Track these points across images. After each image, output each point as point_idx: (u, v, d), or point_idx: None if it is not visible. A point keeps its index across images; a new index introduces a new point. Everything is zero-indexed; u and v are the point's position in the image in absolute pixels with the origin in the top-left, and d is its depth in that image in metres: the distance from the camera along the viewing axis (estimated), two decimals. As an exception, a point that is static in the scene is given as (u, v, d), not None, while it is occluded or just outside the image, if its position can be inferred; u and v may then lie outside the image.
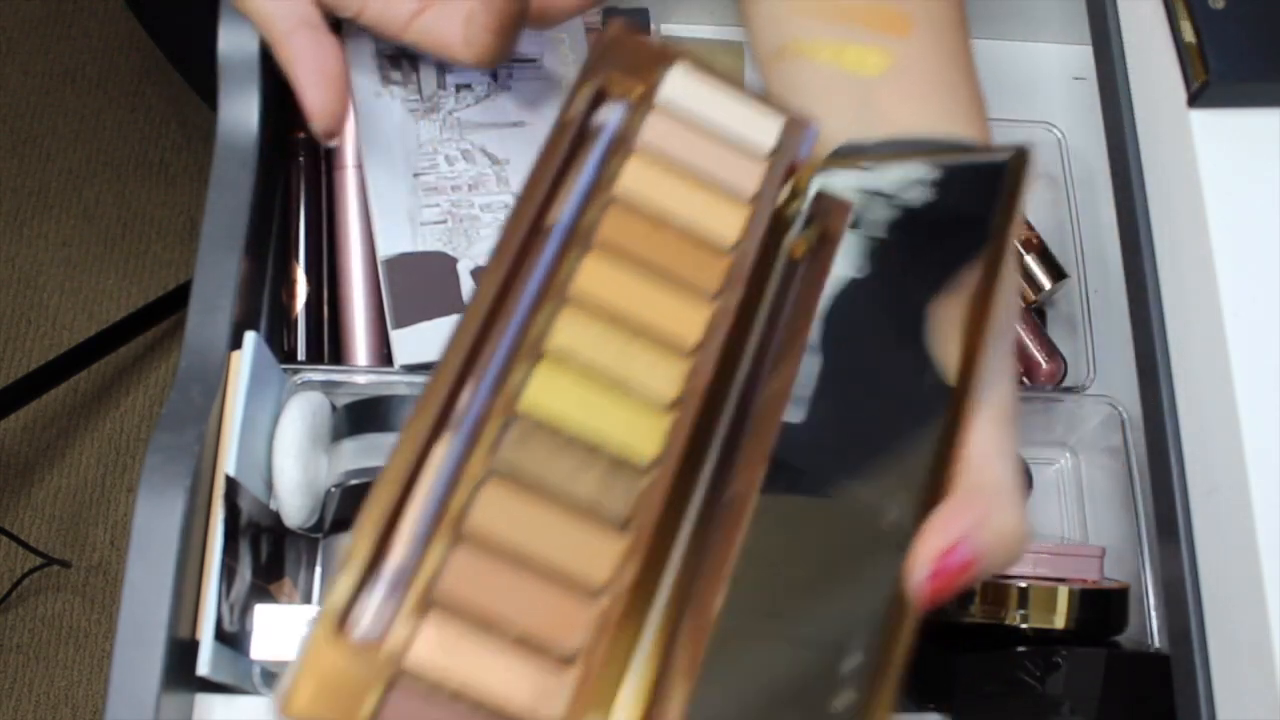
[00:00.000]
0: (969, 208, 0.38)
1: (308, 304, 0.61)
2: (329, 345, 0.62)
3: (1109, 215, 0.54)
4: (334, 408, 0.57)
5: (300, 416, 0.54)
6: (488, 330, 0.35)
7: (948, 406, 0.35)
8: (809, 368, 0.38)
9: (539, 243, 0.37)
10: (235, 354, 0.53)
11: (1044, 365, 0.65)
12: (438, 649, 0.31)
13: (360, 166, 0.61)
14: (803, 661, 0.33)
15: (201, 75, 0.86)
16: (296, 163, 0.63)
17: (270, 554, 0.54)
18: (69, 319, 1.32)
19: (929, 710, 0.54)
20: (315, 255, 0.62)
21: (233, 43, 0.57)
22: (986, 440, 0.36)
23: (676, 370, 0.36)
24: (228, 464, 0.50)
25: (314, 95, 0.50)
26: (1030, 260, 0.66)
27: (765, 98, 0.40)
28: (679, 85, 0.40)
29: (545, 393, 0.35)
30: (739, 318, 0.37)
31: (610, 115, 0.39)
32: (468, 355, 0.34)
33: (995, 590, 0.54)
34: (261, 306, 0.60)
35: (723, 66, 0.68)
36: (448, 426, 0.34)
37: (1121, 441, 0.60)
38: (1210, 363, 0.45)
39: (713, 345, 0.36)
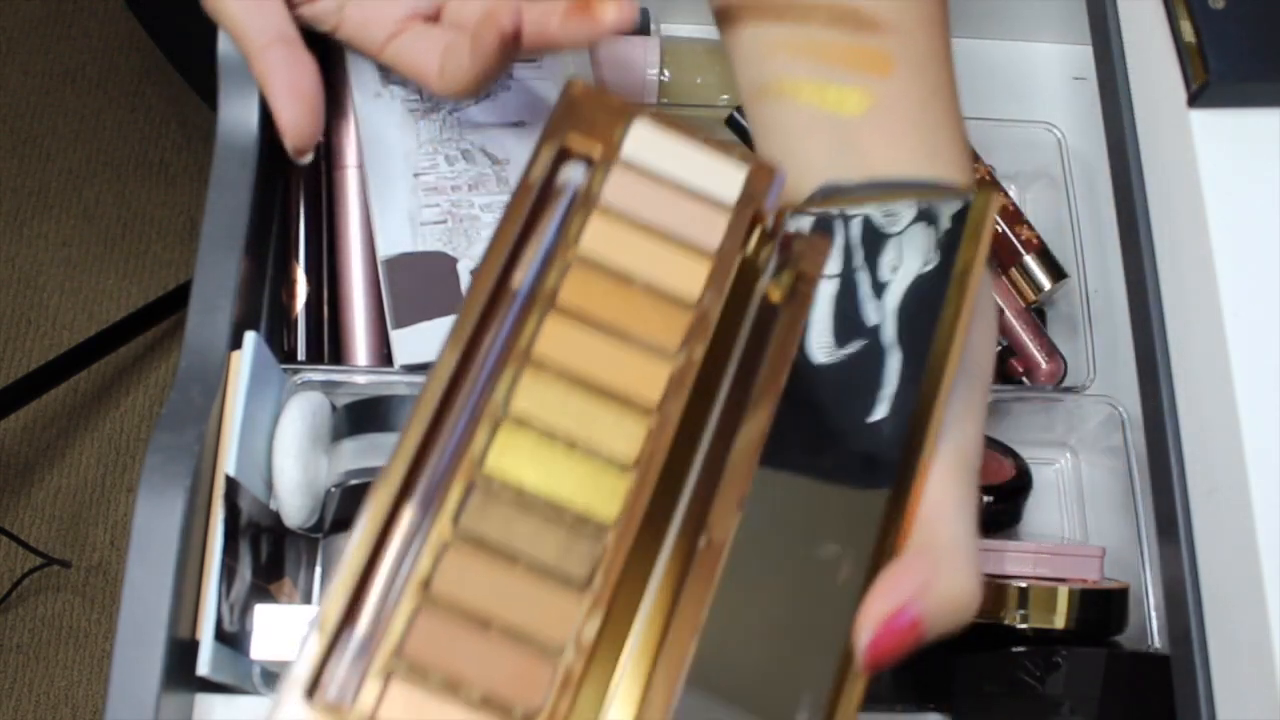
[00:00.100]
0: (935, 252, 0.38)
1: (308, 304, 0.61)
2: (329, 345, 0.62)
3: (1109, 215, 0.54)
4: (334, 408, 0.57)
5: (300, 416, 0.54)
6: (452, 394, 0.36)
7: (901, 457, 0.35)
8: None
9: (503, 305, 0.37)
10: (235, 354, 0.53)
11: (1044, 365, 0.65)
12: (404, 710, 0.33)
13: (360, 166, 0.61)
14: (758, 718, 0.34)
15: (201, 76, 0.86)
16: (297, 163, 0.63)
17: (270, 554, 0.54)
18: (69, 319, 1.32)
19: (929, 710, 0.54)
20: (315, 255, 0.62)
21: (232, 44, 0.57)
22: (942, 494, 0.36)
23: (638, 430, 0.37)
24: (228, 464, 0.50)
25: (287, 113, 0.50)
26: (1030, 260, 0.66)
27: (730, 147, 0.40)
28: (641, 141, 0.40)
29: (507, 456, 0.36)
30: (706, 370, 0.38)
31: (572, 174, 0.39)
32: (432, 420, 0.35)
33: (995, 590, 0.54)
34: (261, 306, 0.60)
35: (720, 69, 0.68)
36: (414, 491, 0.35)
37: (1121, 441, 0.60)
38: (1210, 363, 0.45)
39: (674, 402, 0.37)
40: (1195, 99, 0.48)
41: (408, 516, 0.34)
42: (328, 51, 0.64)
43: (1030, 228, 0.67)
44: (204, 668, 0.47)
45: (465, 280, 0.59)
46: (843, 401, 0.38)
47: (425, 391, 0.35)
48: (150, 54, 1.38)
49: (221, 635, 0.48)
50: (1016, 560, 0.56)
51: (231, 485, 0.50)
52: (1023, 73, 0.74)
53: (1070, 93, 0.73)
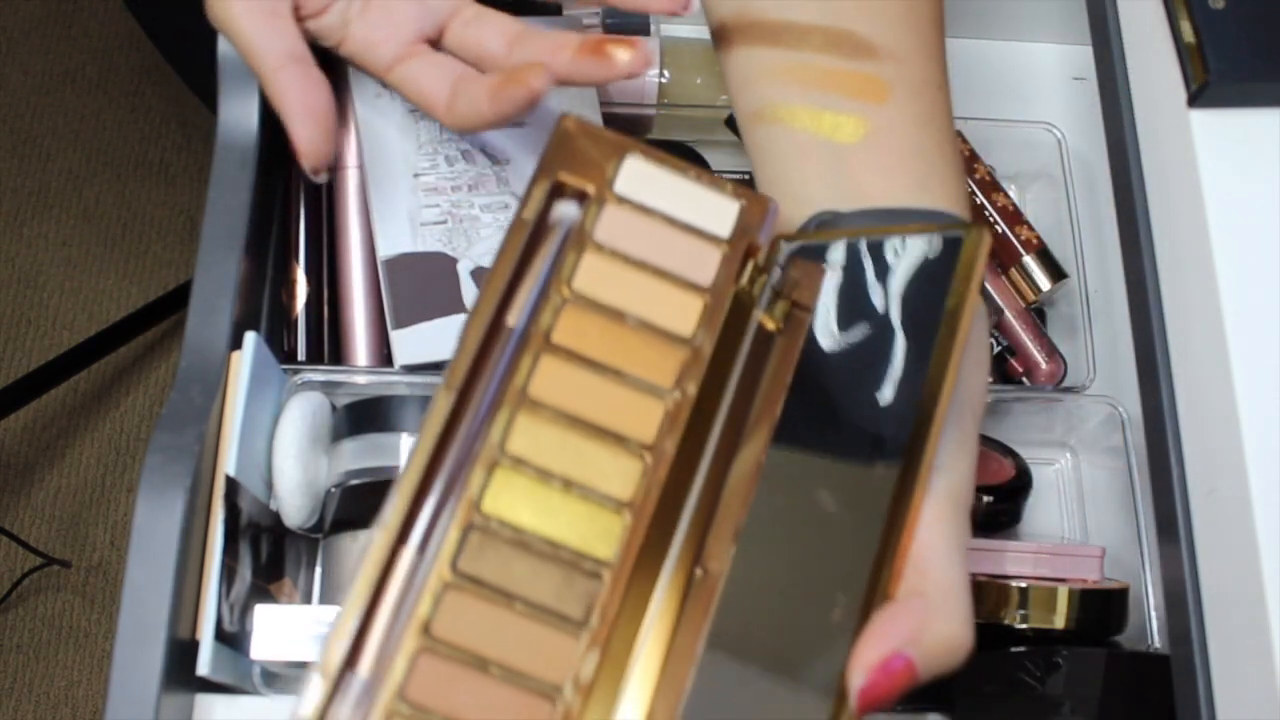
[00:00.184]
0: (925, 288, 0.38)
1: (308, 304, 0.61)
2: (329, 345, 0.62)
3: (1109, 215, 0.54)
4: (334, 408, 0.57)
5: (300, 416, 0.54)
6: (449, 436, 0.36)
7: (893, 498, 0.35)
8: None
9: (498, 343, 0.37)
10: (235, 354, 0.53)
11: (1044, 365, 0.65)
12: None
13: (360, 166, 0.61)
14: None
15: (201, 77, 0.86)
16: (297, 163, 0.63)
17: (270, 554, 0.54)
18: (69, 319, 1.32)
19: (929, 710, 0.54)
20: (315, 255, 0.62)
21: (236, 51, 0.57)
22: (935, 536, 0.36)
23: (633, 469, 0.37)
24: (228, 464, 0.50)
25: (304, 132, 0.50)
26: (1030, 260, 0.66)
27: (722, 182, 0.41)
28: (634, 177, 0.40)
29: (504, 498, 0.36)
30: (700, 404, 0.38)
31: (566, 211, 0.39)
32: (429, 463, 0.36)
33: (995, 590, 0.54)
34: (261, 306, 0.60)
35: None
36: (412, 533, 0.35)
37: (1121, 441, 0.60)
38: (1210, 363, 0.45)
39: (669, 440, 0.37)
40: (1195, 99, 0.48)
41: (407, 558, 0.35)
42: (327, 52, 0.64)
43: (1030, 228, 0.67)
44: (204, 668, 0.47)
45: (465, 280, 0.59)
46: (835, 439, 0.38)
47: (422, 433, 0.36)
48: (150, 54, 1.38)
49: (221, 635, 0.48)
50: (1016, 560, 0.56)
51: (231, 485, 0.50)
52: (1023, 73, 0.74)
53: (1070, 93, 0.73)
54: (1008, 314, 0.66)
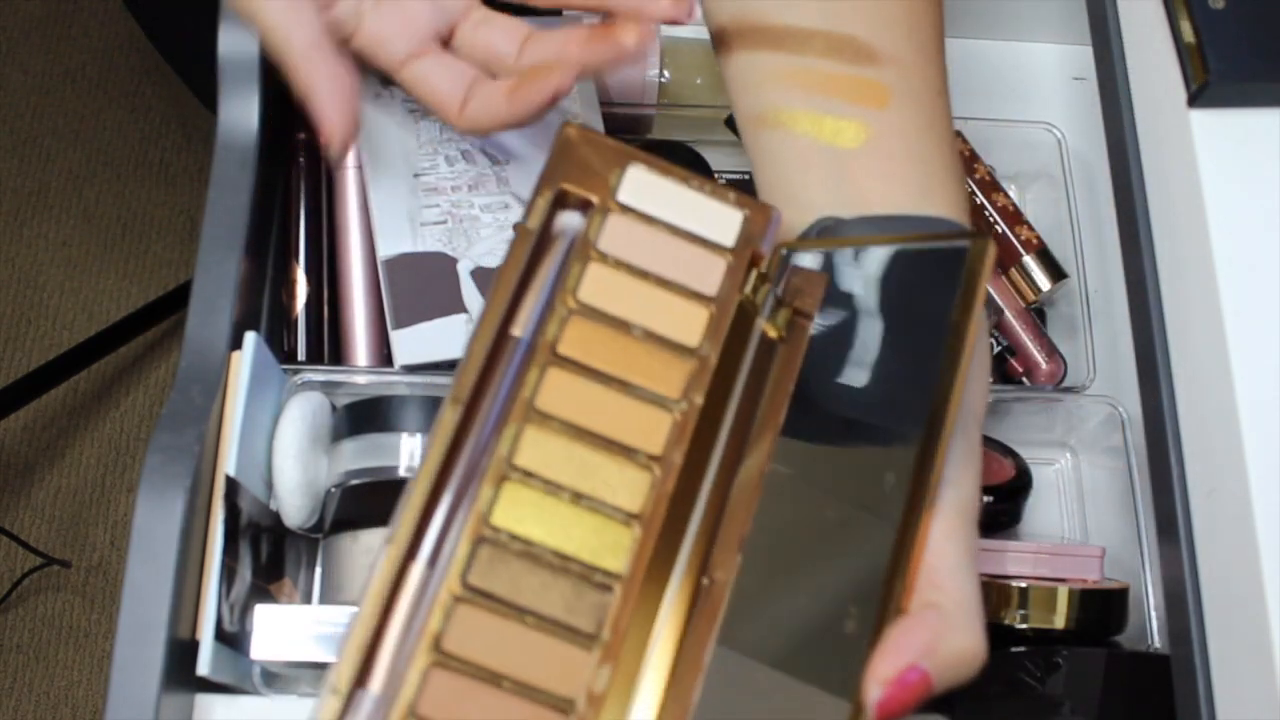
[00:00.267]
0: (929, 297, 0.38)
1: (308, 304, 0.61)
2: (329, 345, 0.62)
3: (1109, 215, 0.54)
4: (334, 408, 0.57)
5: (300, 416, 0.54)
6: (456, 449, 0.36)
7: (904, 512, 0.35)
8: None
9: (504, 355, 0.37)
10: (235, 354, 0.53)
11: (1044, 365, 0.65)
12: None
13: (360, 167, 0.62)
14: None
15: (201, 77, 0.86)
16: (297, 163, 0.63)
17: (270, 554, 0.54)
18: (69, 319, 1.32)
19: (929, 711, 0.54)
20: (315, 255, 0.62)
21: (233, 44, 0.57)
22: (946, 549, 0.37)
23: (640, 481, 0.37)
24: (228, 464, 0.50)
25: (332, 117, 0.50)
26: (1030, 260, 0.66)
27: (724, 191, 0.41)
28: (637, 186, 0.40)
29: (514, 512, 0.36)
30: (706, 413, 0.38)
31: (570, 220, 0.39)
32: (437, 477, 0.36)
33: (995, 590, 0.54)
34: (261, 306, 0.60)
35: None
36: (421, 548, 0.35)
37: (1121, 441, 0.60)
38: (1210, 363, 0.45)
39: (676, 452, 0.37)
40: (1195, 99, 0.48)
41: (417, 573, 0.35)
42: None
43: (1030, 228, 0.67)
44: (204, 668, 0.47)
45: (465, 280, 0.59)
46: (841, 451, 0.38)
47: (430, 447, 0.35)
48: (150, 54, 1.38)
49: (221, 635, 0.48)
50: (1016, 560, 0.56)
51: (231, 485, 0.50)
52: (1023, 73, 0.74)
53: (1070, 93, 0.73)
54: (1008, 314, 0.66)
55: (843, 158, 0.44)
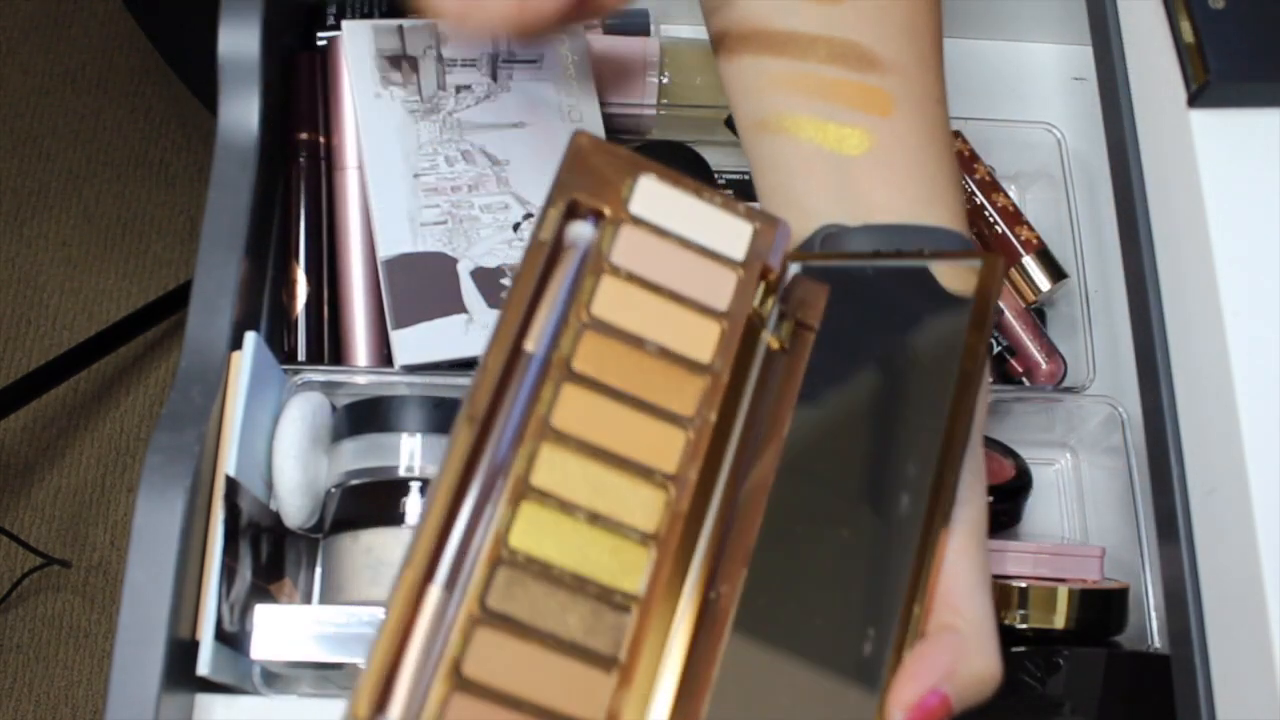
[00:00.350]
0: (938, 317, 0.38)
1: (308, 304, 0.61)
2: (329, 345, 0.62)
3: (1109, 215, 0.54)
4: (334, 408, 0.57)
5: (300, 417, 0.54)
6: (471, 469, 0.36)
7: (919, 536, 0.35)
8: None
9: (518, 371, 0.37)
10: (235, 354, 0.53)
11: (1044, 365, 0.65)
12: None
13: (360, 167, 0.62)
14: None
15: (201, 77, 0.86)
16: (297, 164, 0.63)
17: (270, 554, 0.54)
18: (69, 319, 1.32)
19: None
20: (315, 256, 0.62)
21: (233, 44, 0.57)
22: (960, 570, 0.37)
23: (655, 500, 0.37)
24: (228, 464, 0.50)
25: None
26: (1030, 260, 0.66)
27: (734, 203, 0.40)
28: (648, 197, 0.40)
29: (530, 533, 0.36)
30: (717, 430, 0.38)
31: (582, 231, 0.39)
32: (453, 498, 0.35)
33: (996, 590, 0.54)
34: (262, 307, 0.60)
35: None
36: (438, 570, 0.35)
37: (1121, 441, 0.60)
38: (1210, 363, 0.45)
39: (691, 469, 0.37)
40: (1195, 99, 0.48)
41: (434, 597, 0.34)
42: (326, 52, 0.64)
43: (1030, 228, 0.67)
44: (204, 668, 0.47)
45: (465, 280, 0.59)
46: (854, 472, 0.38)
47: (446, 467, 0.35)
48: (149, 54, 1.38)
49: (221, 635, 0.48)
50: (1016, 560, 0.56)
51: (231, 485, 0.50)
52: (1023, 73, 0.74)
53: (1070, 93, 0.73)
54: (1008, 314, 0.66)
55: (846, 165, 0.44)
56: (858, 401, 0.39)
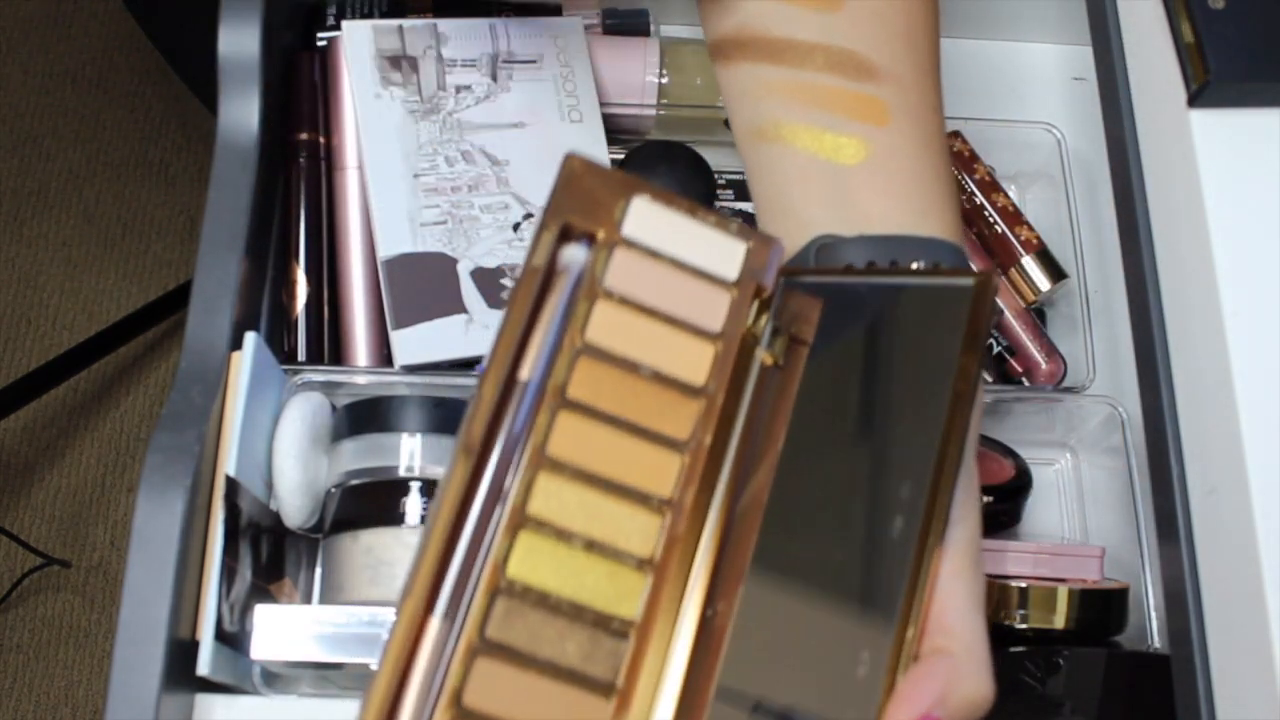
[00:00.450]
0: (931, 335, 0.38)
1: (308, 304, 0.62)
2: (329, 346, 0.62)
3: (1109, 215, 0.54)
4: (334, 408, 0.57)
5: (300, 417, 0.54)
6: (468, 499, 0.36)
7: (912, 558, 0.35)
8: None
9: (513, 399, 0.37)
10: (235, 354, 0.53)
11: (1044, 365, 0.65)
12: None
13: (360, 167, 0.62)
14: None
15: (201, 77, 0.86)
16: (297, 164, 0.63)
17: (270, 554, 0.54)
18: (69, 319, 1.32)
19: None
20: (315, 256, 0.62)
21: (233, 44, 0.57)
22: (954, 591, 0.37)
23: (651, 525, 0.37)
24: (228, 464, 0.50)
25: None
26: (1030, 260, 0.66)
27: (727, 222, 0.40)
28: (641, 218, 0.40)
29: (527, 562, 0.36)
30: (713, 454, 0.38)
31: (575, 256, 0.39)
32: (451, 529, 0.35)
33: (995, 590, 0.54)
34: (262, 307, 0.60)
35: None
36: (438, 602, 0.35)
37: (1121, 441, 0.60)
38: (1210, 363, 0.45)
39: (687, 494, 0.37)
40: (1195, 99, 0.48)
41: (434, 628, 0.35)
42: (326, 52, 0.64)
43: (1030, 228, 0.67)
44: (204, 668, 0.47)
45: (465, 280, 0.59)
46: (845, 492, 0.38)
47: (442, 500, 0.35)
48: (149, 54, 1.38)
49: (221, 635, 0.48)
50: (1016, 560, 0.56)
51: (231, 485, 0.50)
52: (1023, 73, 0.74)
53: (1070, 93, 0.73)
54: (1008, 314, 0.66)
55: (842, 174, 0.44)
56: (851, 418, 0.39)
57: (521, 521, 0.36)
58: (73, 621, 1.22)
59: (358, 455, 0.54)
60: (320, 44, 0.66)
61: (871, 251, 0.42)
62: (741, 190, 0.69)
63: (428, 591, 0.35)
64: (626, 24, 0.70)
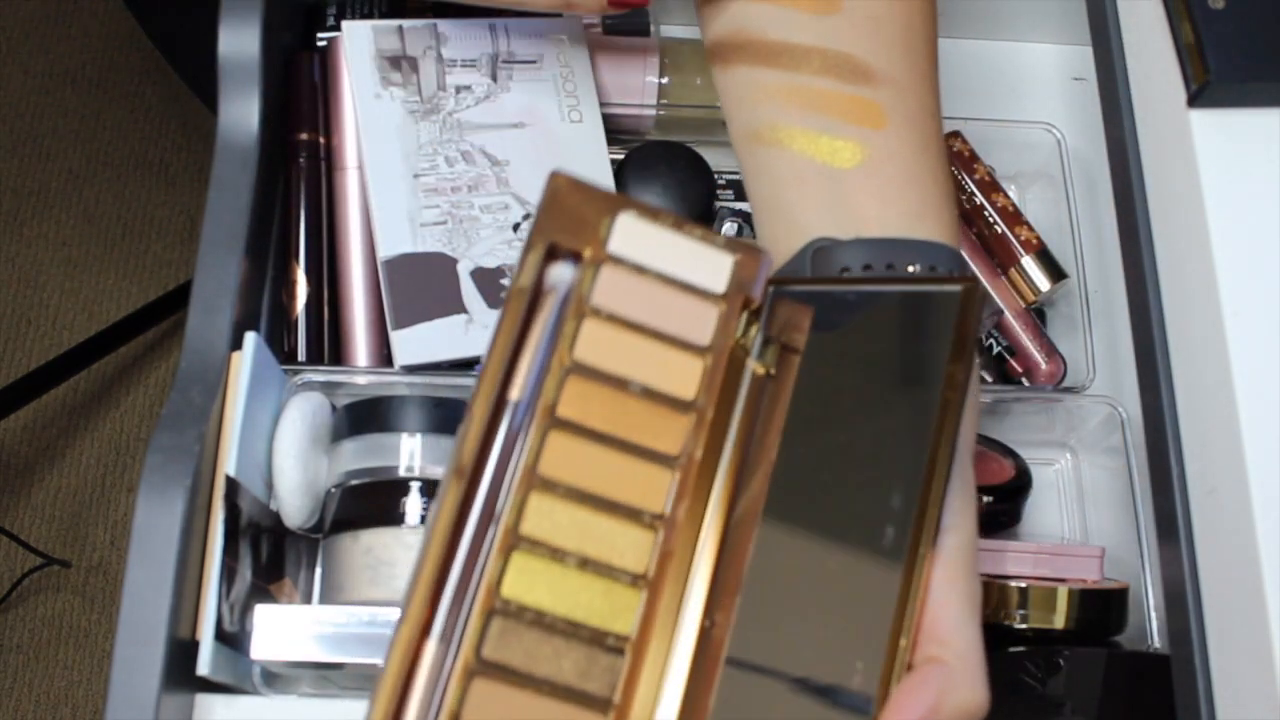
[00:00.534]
0: (921, 342, 0.38)
1: (308, 305, 0.62)
2: (329, 346, 0.62)
3: (1109, 215, 0.54)
4: (334, 408, 0.57)
5: (300, 417, 0.54)
6: (461, 521, 0.36)
7: (904, 564, 0.35)
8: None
9: (503, 419, 0.37)
10: (235, 354, 0.53)
11: (1044, 365, 0.65)
12: None
13: (360, 168, 0.62)
14: None
15: (201, 77, 0.86)
16: (297, 164, 0.63)
17: (270, 554, 0.54)
18: (69, 319, 1.32)
19: None
20: (315, 256, 0.62)
21: (233, 43, 0.57)
22: (948, 599, 0.36)
23: (644, 541, 0.37)
24: (228, 464, 0.50)
25: None
26: (1030, 261, 0.66)
27: (714, 236, 0.40)
28: (627, 234, 0.40)
29: (521, 581, 0.36)
30: (704, 465, 0.38)
31: (562, 274, 0.39)
32: (445, 552, 0.35)
33: (995, 590, 0.54)
34: (262, 307, 0.60)
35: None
36: (433, 624, 0.35)
37: (1121, 441, 0.60)
38: (1210, 363, 0.46)
39: (679, 508, 0.37)
40: (1195, 99, 0.48)
41: (430, 651, 0.35)
42: (326, 52, 0.64)
43: (1030, 228, 0.67)
44: (204, 668, 0.47)
45: (465, 281, 0.59)
46: (838, 501, 0.38)
47: (436, 524, 0.35)
48: (150, 54, 1.38)
49: (221, 635, 0.48)
50: (1016, 560, 0.56)
51: (231, 485, 0.50)
52: (1023, 73, 0.74)
53: (1070, 93, 0.73)
54: (1008, 314, 0.66)
55: (838, 177, 0.44)
56: (843, 426, 0.39)
57: (515, 542, 0.36)
58: (73, 621, 1.22)
59: (358, 455, 0.54)
60: (320, 44, 0.66)
61: (868, 254, 0.42)
62: (741, 190, 0.69)
63: (423, 616, 0.35)
64: (626, 24, 0.70)
